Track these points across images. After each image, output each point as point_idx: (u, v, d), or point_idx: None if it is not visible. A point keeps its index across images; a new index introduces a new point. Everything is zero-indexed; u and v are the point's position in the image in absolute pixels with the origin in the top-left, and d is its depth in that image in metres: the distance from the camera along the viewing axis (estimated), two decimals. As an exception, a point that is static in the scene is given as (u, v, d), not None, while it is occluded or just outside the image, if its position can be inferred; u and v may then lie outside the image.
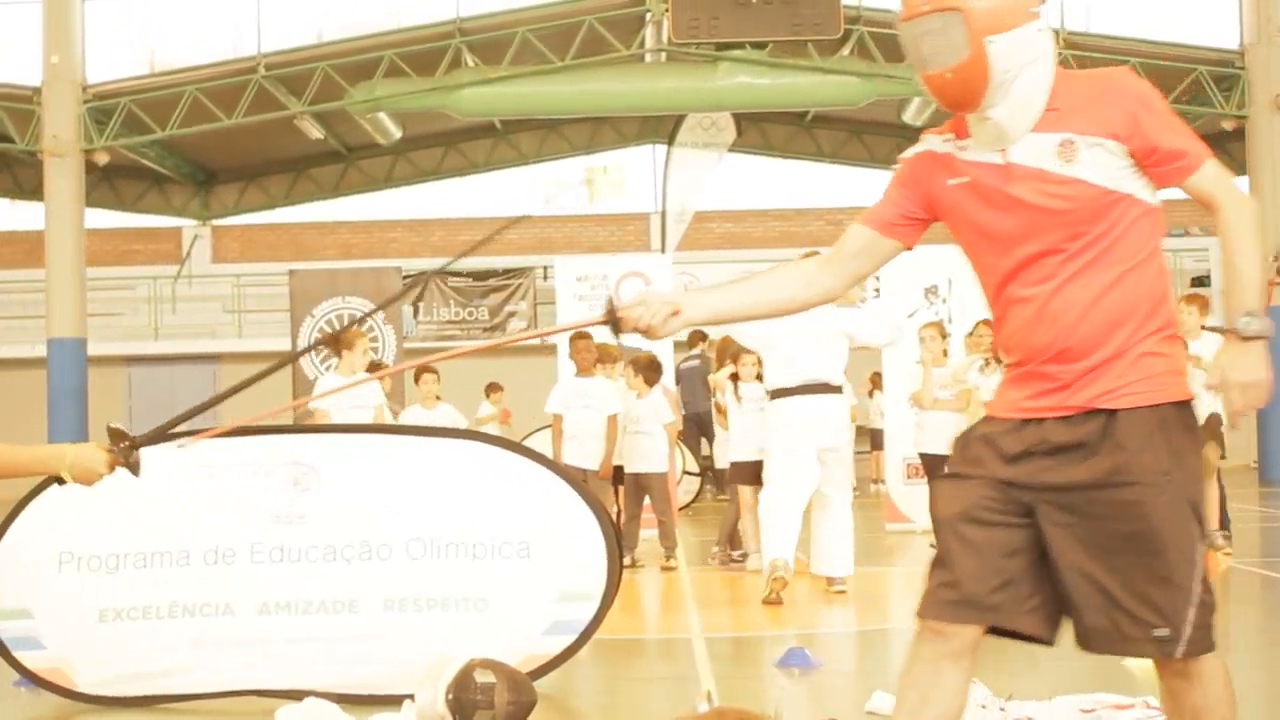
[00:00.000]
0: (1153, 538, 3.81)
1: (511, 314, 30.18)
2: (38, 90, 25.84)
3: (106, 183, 31.63)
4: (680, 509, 18.14)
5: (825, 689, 7.55)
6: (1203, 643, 3.86)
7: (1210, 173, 3.92)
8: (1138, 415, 3.84)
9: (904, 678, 4.04)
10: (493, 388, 24.26)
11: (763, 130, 32.48)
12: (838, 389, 11.05)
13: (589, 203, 32.86)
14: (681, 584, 12.19)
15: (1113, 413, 3.85)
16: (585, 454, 12.93)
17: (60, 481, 4.37)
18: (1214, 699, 3.97)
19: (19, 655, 7.42)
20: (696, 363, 19.62)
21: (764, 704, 6.10)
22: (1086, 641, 3.95)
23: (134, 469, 4.35)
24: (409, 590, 7.30)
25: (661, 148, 31.13)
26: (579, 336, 13.21)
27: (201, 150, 30.71)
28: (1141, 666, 7.42)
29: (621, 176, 32.85)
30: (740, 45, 24.87)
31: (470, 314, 30.15)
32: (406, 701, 6.62)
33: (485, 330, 30.11)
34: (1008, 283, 3.99)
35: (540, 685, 6.94)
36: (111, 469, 4.33)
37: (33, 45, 26.28)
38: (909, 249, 4.27)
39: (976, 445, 4.04)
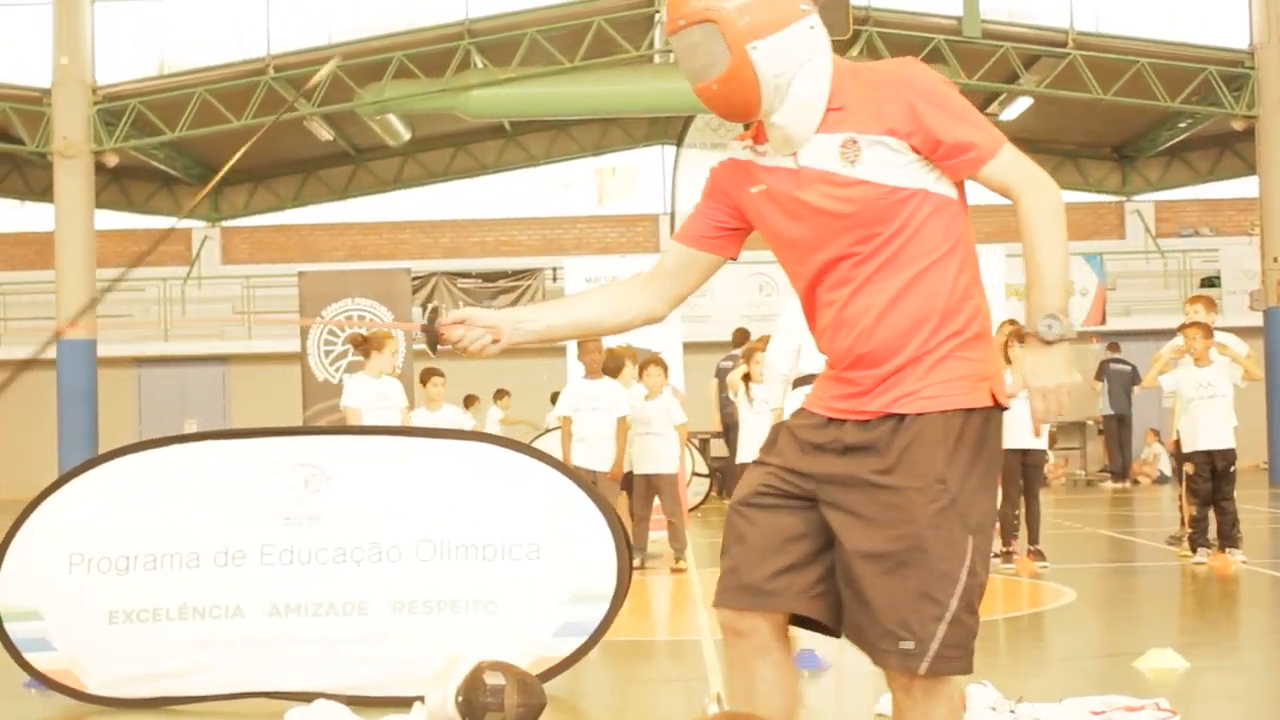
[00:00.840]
0: (915, 545, 3.67)
1: (521, 315, 30.16)
2: (48, 92, 25.87)
3: (116, 184, 31.69)
4: (690, 510, 18.15)
5: (834, 691, 7.54)
6: (953, 664, 3.70)
7: (1005, 162, 3.75)
8: (926, 421, 3.71)
9: (730, 686, 3.96)
10: (500, 393, 24.32)
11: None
12: None
13: (599, 203, 32.84)
14: (691, 585, 12.19)
15: (904, 417, 3.74)
16: (595, 456, 12.95)
17: None
18: (944, 715, 3.78)
19: (29, 656, 7.43)
20: (730, 364, 19.65)
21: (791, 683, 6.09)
22: (849, 636, 3.83)
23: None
24: (419, 592, 7.30)
25: (671, 148, 31.16)
26: (589, 339, 13.21)
27: (211, 151, 30.72)
28: (1152, 668, 7.43)
29: (631, 177, 32.85)
30: (750, 46, 24.82)
31: (479, 315, 30.12)
32: (416, 703, 6.63)
33: (494, 331, 30.07)
34: (814, 288, 3.88)
35: (550, 687, 6.94)
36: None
37: (43, 47, 26.31)
38: (732, 259, 4.15)
39: (782, 436, 3.94)
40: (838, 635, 3.89)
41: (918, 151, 3.72)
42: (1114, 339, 28.12)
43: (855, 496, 3.74)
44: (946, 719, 3.79)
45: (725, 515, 3.95)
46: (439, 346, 4.10)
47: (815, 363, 9.62)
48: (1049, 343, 3.66)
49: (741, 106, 3.77)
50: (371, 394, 11.65)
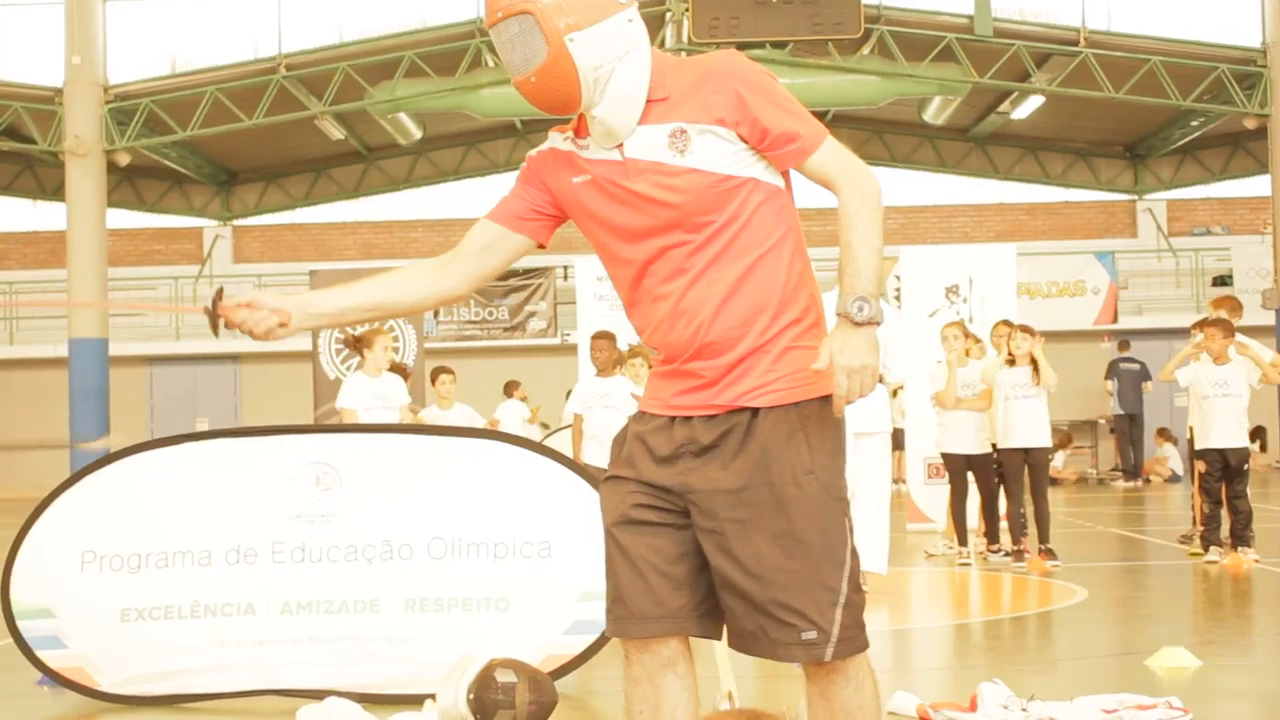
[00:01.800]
0: (796, 538, 3.68)
1: (531, 314, 30.22)
2: (59, 91, 25.93)
3: (128, 183, 31.75)
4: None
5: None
6: (853, 644, 3.73)
7: (827, 154, 3.78)
8: (780, 413, 3.72)
9: (628, 701, 3.90)
10: (512, 385, 24.30)
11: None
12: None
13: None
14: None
15: (755, 411, 3.74)
16: (607, 454, 12.93)
17: None
18: (866, 698, 3.82)
19: (41, 654, 7.44)
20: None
21: (784, 704, 6.10)
22: (740, 645, 3.82)
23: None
24: (430, 590, 7.30)
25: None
26: (599, 337, 13.18)
27: (222, 150, 30.79)
28: (1164, 666, 7.42)
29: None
30: (761, 45, 24.86)
31: (490, 314, 30.19)
32: (428, 701, 6.63)
33: (506, 330, 30.14)
34: (641, 279, 3.87)
35: (561, 685, 6.95)
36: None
37: (55, 46, 26.36)
38: (541, 246, 4.17)
39: (631, 444, 3.91)
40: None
41: (745, 141, 3.74)
42: (1126, 337, 28.09)
43: (726, 502, 3.73)
44: (873, 692, 3.85)
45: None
46: (222, 329, 4.06)
47: None
48: (858, 324, 3.65)
49: (562, 99, 3.77)
50: (369, 394, 11.61)
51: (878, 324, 3.67)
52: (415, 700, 6.80)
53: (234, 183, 33.26)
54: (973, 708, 6.40)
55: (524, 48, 3.71)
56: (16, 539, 7.48)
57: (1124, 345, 27.33)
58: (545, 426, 22.01)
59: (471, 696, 6.47)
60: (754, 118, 3.72)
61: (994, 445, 13.04)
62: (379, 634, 7.28)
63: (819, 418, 3.75)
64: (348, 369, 17.43)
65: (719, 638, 3.89)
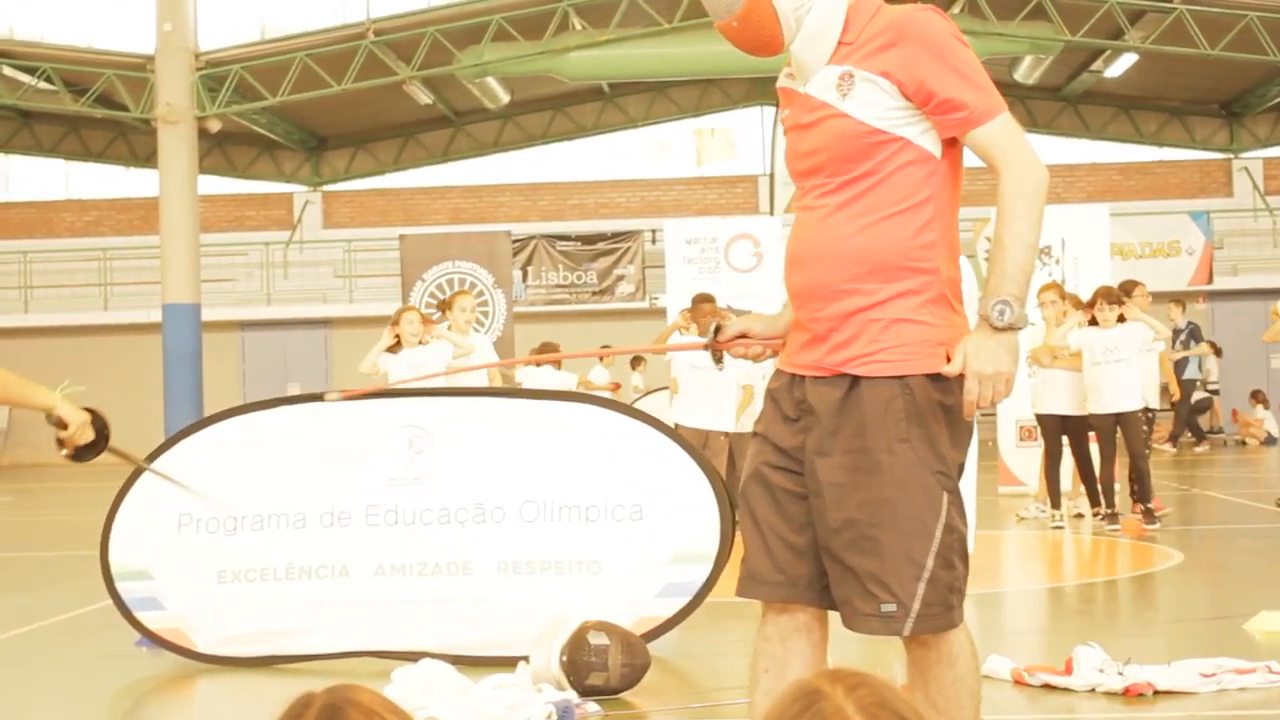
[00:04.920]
0: (885, 507, 3.63)
1: (620, 278, 30.23)
2: (151, 59, 26.13)
3: (219, 149, 31.99)
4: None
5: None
6: (935, 620, 3.66)
7: (994, 131, 3.67)
8: (881, 384, 3.66)
9: (755, 658, 3.89)
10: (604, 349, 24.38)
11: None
12: None
13: (697, 164, 32.76)
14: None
15: (858, 379, 3.70)
16: (706, 416, 12.85)
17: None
18: (960, 673, 3.77)
19: (140, 616, 7.53)
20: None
21: (876, 668, 6.06)
22: (841, 614, 3.77)
23: (79, 457, 4.49)
24: (523, 553, 7.33)
25: (770, 109, 30.99)
26: (701, 300, 13.15)
27: (312, 116, 30.94)
28: (1262, 630, 7.33)
29: (730, 139, 32.74)
30: (849, 5, 24.64)
31: (579, 278, 30.23)
32: (521, 663, 6.65)
33: (594, 294, 30.16)
34: (797, 217, 3.90)
35: (654, 647, 6.95)
36: (83, 434, 4.44)
37: (146, 14, 26.56)
38: None
39: (766, 401, 3.93)
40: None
41: (909, 99, 3.68)
42: (1221, 298, 27.72)
43: (824, 467, 3.70)
44: (970, 667, 3.80)
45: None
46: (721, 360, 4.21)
47: None
48: (997, 329, 3.60)
49: (764, 40, 3.80)
50: (421, 358, 11.67)
51: (1019, 329, 3.61)
52: (508, 662, 6.82)
53: (323, 148, 33.42)
54: (1068, 671, 6.36)
55: None
56: (115, 502, 7.56)
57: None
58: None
59: (565, 659, 6.48)
60: (922, 79, 3.65)
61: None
62: (472, 596, 7.32)
63: (922, 393, 3.68)
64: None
65: (834, 608, 3.83)
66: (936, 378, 3.68)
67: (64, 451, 4.51)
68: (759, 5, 3.72)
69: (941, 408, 3.71)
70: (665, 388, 14.49)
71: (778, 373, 3.92)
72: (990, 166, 3.69)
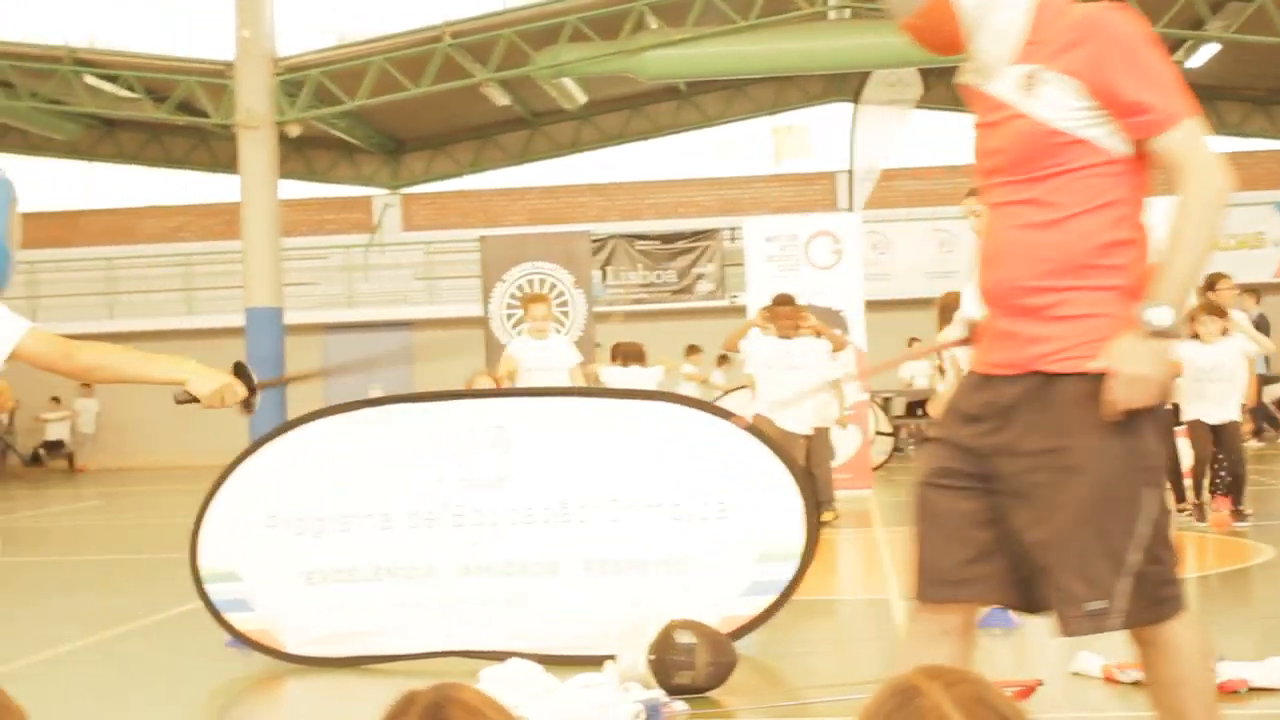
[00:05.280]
0: (1086, 504, 3.58)
1: (699, 276, 30.21)
2: (230, 65, 26.32)
3: (298, 154, 32.19)
4: (874, 469, 18.08)
5: (1027, 650, 7.44)
6: (1144, 614, 3.63)
7: (1178, 137, 3.61)
8: (1077, 379, 3.62)
9: (901, 655, 3.88)
10: (692, 350, 24.41)
11: (950, 85, 31.96)
12: None
13: (776, 162, 32.68)
14: (878, 545, 12.11)
15: (1052, 375, 3.65)
16: (782, 417, 12.84)
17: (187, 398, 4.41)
18: (1187, 671, 3.72)
19: (229, 617, 7.59)
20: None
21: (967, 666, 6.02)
22: (1040, 614, 3.76)
23: (249, 408, 4.48)
24: (608, 552, 7.33)
25: (848, 106, 30.88)
26: (782, 301, 13.10)
27: (390, 120, 31.08)
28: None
29: (808, 136, 32.63)
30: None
31: (658, 276, 30.24)
32: (608, 662, 6.65)
33: (674, 293, 30.16)
34: (989, 217, 3.85)
35: (740, 646, 6.94)
36: (227, 398, 4.44)
37: (225, 20, 26.78)
38: None
39: (949, 405, 3.91)
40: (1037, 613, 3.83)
41: (1095, 100, 3.63)
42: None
43: (1021, 466, 3.66)
44: (1199, 663, 3.75)
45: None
46: None
47: None
48: (1150, 334, 3.56)
49: (946, 39, 3.79)
50: (533, 356, 11.71)
51: (1172, 338, 3.58)
52: (595, 661, 6.82)
53: (402, 151, 33.58)
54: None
55: None
56: (203, 505, 7.63)
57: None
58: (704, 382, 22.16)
59: (652, 658, 6.49)
60: (1107, 81, 3.61)
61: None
62: (558, 595, 7.34)
63: None
64: (520, 333, 17.58)
65: (1027, 609, 3.82)
66: None
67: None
68: (940, 3, 3.72)
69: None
70: (745, 386, 14.47)
71: (970, 374, 3.90)
72: (1172, 172, 3.64)
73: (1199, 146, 3.64)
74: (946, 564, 3.77)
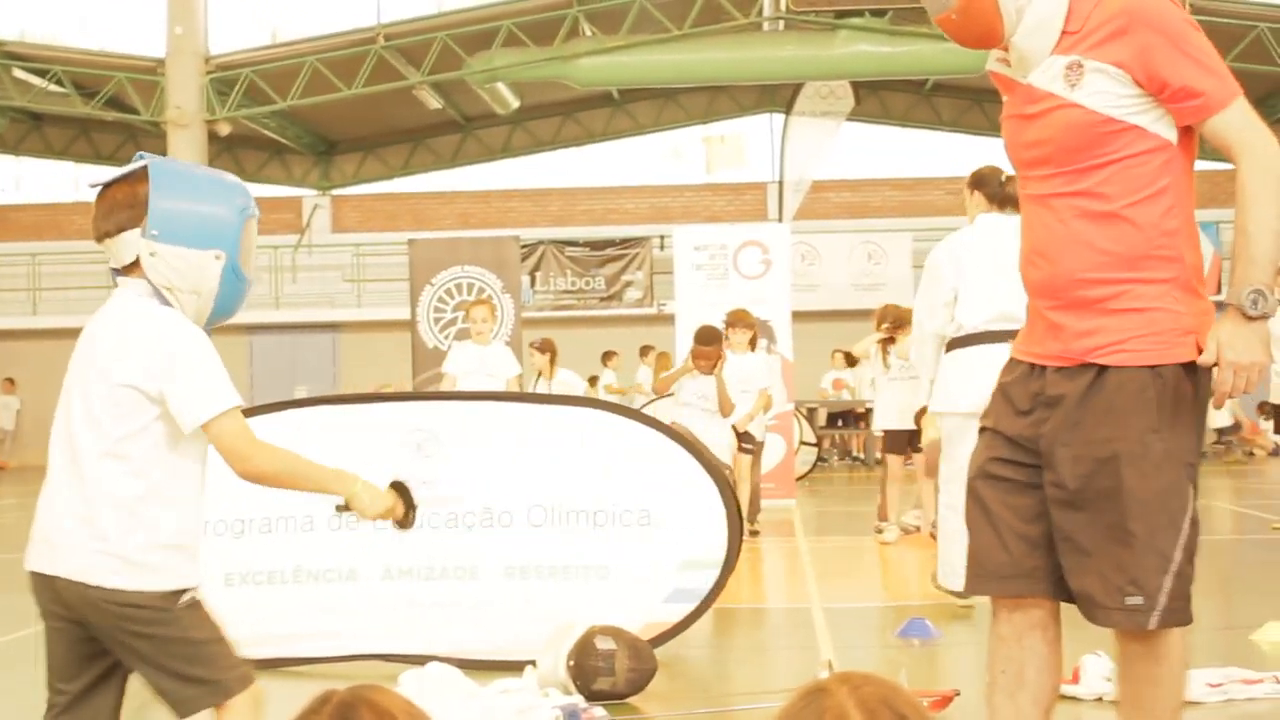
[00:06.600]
0: (1133, 500, 3.59)
1: (628, 284, 30.24)
2: (161, 62, 26.19)
3: (228, 153, 32.00)
4: (797, 479, 18.12)
5: (945, 660, 7.49)
6: (1178, 615, 3.66)
7: (1232, 117, 3.63)
8: (1131, 373, 3.63)
9: (992, 659, 3.87)
10: (608, 355, 24.40)
11: (882, 98, 32.24)
12: None
13: (706, 171, 32.77)
14: (801, 554, 12.16)
15: (1105, 368, 3.66)
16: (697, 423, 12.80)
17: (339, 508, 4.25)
18: (1166, 672, 3.75)
19: (147, 617, 7.52)
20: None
21: (885, 674, 6.06)
22: (1079, 606, 3.75)
23: (406, 525, 4.29)
24: (530, 557, 7.33)
25: (780, 116, 31.00)
26: (701, 340, 12.99)
27: (321, 120, 30.97)
28: (1269, 641, 7.32)
29: (739, 146, 32.74)
30: (860, 13, 24.70)
31: (587, 284, 30.24)
32: (528, 667, 6.65)
33: (602, 300, 30.17)
34: (1026, 209, 3.86)
35: (661, 653, 6.94)
36: (387, 516, 4.25)
37: (157, 17, 26.61)
38: None
39: (996, 395, 3.90)
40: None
41: (1142, 87, 3.64)
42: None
43: (1068, 458, 3.67)
44: (1180, 667, 3.77)
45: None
46: None
47: (975, 317, 8.18)
48: (1250, 318, 3.57)
49: (985, 33, 3.78)
50: (475, 362, 11.65)
51: (1270, 316, 3.58)
52: (515, 666, 6.82)
53: (333, 152, 33.46)
54: (1075, 680, 6.34)
55: None
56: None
57: None
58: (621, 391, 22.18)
59: (571, 663, 6.48)
60: (1154, 67, 3.61)
61: None
62: (479, 600, 7.32)
63: (1173, 382, 3.65)
64: (447, 337, 17.54)
65: (1069, 600, 3.80)
66: (1189, 366, 3.65)
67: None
68: None
69: (1191, 397, 3.68)
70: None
71: (1012, 363, 3.89)
72: (1226, 154, 3.65)
73: (1252, 124, 3.67)
74: (1003, 559, 3.76)
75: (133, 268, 3.83)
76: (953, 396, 8.15)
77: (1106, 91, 3.64)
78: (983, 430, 3.90)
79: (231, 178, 4.01)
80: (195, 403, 3.77)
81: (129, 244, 3.79)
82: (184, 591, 3.89)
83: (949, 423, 8.26)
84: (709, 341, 12.18)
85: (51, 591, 3.83)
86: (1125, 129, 3.65)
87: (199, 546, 3.98)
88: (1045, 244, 3.76)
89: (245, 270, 3.96)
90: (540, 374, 14.73)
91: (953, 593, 8.37)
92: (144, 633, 3.79)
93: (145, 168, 3.83)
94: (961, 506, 8.07)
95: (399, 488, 4.29)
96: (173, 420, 3.79)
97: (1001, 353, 7.95)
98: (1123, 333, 3.65)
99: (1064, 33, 3.70)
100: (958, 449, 8.15)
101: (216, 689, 3.78)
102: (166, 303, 3.86)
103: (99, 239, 3.86)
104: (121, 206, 3.80)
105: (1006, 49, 3.86)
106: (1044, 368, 3.76)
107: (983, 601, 8.06)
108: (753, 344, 13.65)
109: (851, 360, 22.73)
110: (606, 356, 24.59)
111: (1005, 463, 3.78)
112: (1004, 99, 3.93)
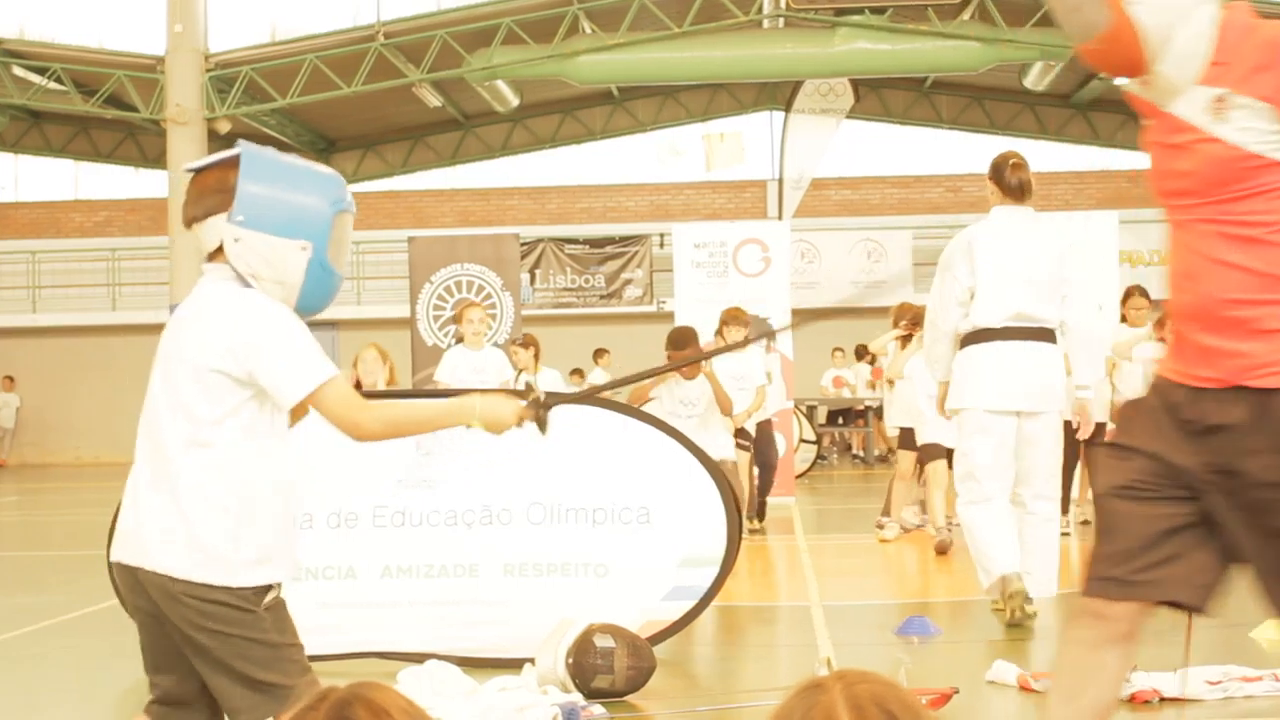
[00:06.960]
0: None
1: (628, 281, 30.22)
2: (161, 59, 26.17)
3: (228, 151, 31.98)
4: (797, 476, 18.13)
5: (945, 658, 7.49)
6: None
7: None
8: None
9: (1060, 660, 3.87)
10: (600, 353, 24.39)
11: (881, 96, 32.25)
12: (1051, 334, 8.35)
13: (706, 169, 32.76)
14: (800, 552, 12.16)
15: (1269, 392, 3.61)
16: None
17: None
18: None
19: (146, 615, 7.51)
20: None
21: (884, 672, 6.06)
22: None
23: (543, 426, 4.11)
24: (529, 555, 7.32)
25: (779, 114, 31.00)
26: (676, 344, 12.93)
27: (321, 118, 30.96)
28: (1268, 638, 7.32)
29: (739, 143, 32.73)
30: (859, 10, 24.70)
31: (587, 281, 30.23)
32: (527, 665, 6.65)
33: (601, 298, 30.17)
34: (1172, 234, 3.81)
35: (660, 650, 6.95)
36: (520, 423, 4.09)
37: (156, 15, 26.60)
38: None
39: (1141, 415, 3.84)
40: (1208, 615, 3.81)
41: None
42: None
43: (1245, 486, 3.63)
44: None
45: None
46: None
47: (992, 315, 8.16)
48: None
49: (1129, 62, 3.70)
50: (466, 366, 11.65)
51: None
52: (514, 664, 6.82)
53: (332, 150, 33.44)
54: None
55: (1087, 13, 3.65)
56: (121, 502, 7.55)
57: None
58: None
59: (570, 661, 6.49)
60: None
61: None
62: (478, 598, 7.32)
63: None
64: (446, 335, 17.54)
65: (1207, 609, 3.80)
66: None
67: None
68: (1124, 26, 3.62)
69: None
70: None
71: (1162, 384, 3.85)
72: None
73: None
74: (1129, 567, 3.72)
75: (218, 254, 3.80)
76: (972, 392, 8.18)
77: (1253, 127, 3.60)
78: (1118, 446, 3.85)
79: (329, 171, 3.97)
80: (292, 378, 3.73)
81: (215, 229, 3.78)
82: (269, 589, 3.82)
83: (968, 419, 8.25)
84: (683, 344, 11.59)
85: (135, 584, 3.79)
86: (1269, 165, 3.62)
87: (288, 540, 3.91)
88: (1190, 268, 3.73)
89: (336, 265, 3.92)
90: (523, 370, 14.69)
91: (994, 602, 8.32)
92: (223, 631, 3.72)
93: (239, 155, 3.81)
94: (980, 499, 8.13)
95: (525, 392, 4.15)
96: (259, 406, 3.75)
97: (1019, 350, 8.20)
98: (1275, 354, 3.63)
99: (1212, 63, 3.65)
100: (975, 444, 8.18)
101: (286, 697, 3.68)
102: (249, 286, 3.81)
103: (187, 224, 3.84)
104: (211, 191, 3.79)
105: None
106: (1198, 390, 3.72)
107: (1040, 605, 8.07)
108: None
109: (870, 357, 22.71)
110: (598, 354, 24.58)
111: (1150, 481, 3.73)
112: (1144, 122, 3.86)
